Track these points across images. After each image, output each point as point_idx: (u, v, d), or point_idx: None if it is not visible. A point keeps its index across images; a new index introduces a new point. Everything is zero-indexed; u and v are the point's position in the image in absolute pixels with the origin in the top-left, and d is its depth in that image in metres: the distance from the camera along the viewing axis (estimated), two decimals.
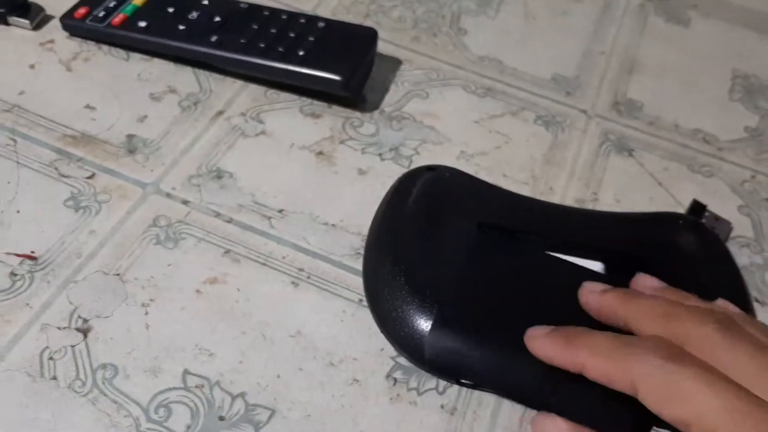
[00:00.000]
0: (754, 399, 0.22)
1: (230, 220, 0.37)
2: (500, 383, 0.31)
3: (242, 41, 0.43)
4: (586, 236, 0.36)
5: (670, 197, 0.42)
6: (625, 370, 0.25)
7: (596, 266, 0.35)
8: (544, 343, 0.28)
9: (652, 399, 0.24)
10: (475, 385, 0.32)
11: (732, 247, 0.40)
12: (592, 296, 0.30)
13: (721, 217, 0.41)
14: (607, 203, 0.41)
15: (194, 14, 0.45)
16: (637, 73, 0.50)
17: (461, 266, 0.34)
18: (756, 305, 0.38)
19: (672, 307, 0.27)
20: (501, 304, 0.32)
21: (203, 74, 0.44)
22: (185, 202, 0.37)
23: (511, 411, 0.32)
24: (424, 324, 0.31)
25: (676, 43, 0.53)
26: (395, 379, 0.32)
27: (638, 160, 0.44)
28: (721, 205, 0.42)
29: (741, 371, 0.24)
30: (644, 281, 0.31)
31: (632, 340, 0.26)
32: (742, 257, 0.40)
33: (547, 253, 0.35)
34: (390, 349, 0.33)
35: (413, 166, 0.41)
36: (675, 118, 0.47)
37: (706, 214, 0.40)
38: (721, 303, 0.30)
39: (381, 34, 0.48)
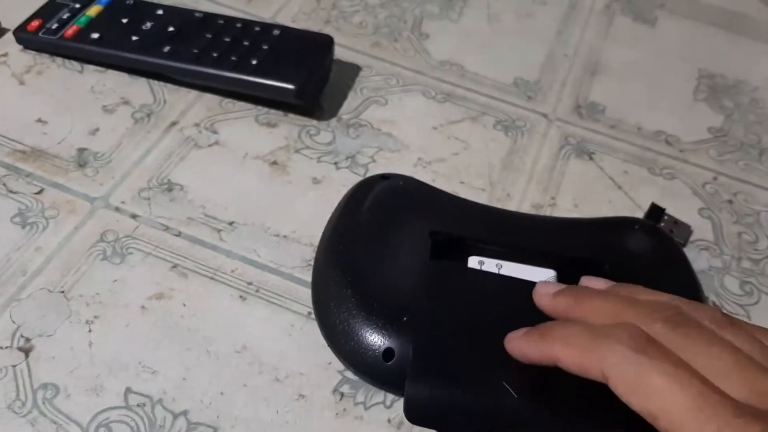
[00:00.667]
0: (720, 397, 0.22)
1: (179, 234, 0.36)
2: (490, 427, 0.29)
3: (195, 51, 0.42)
4: (539, 243, 0.36)
5: (630, 201, 0.42)
6: (596, 359, 0.24)
7: (549, 273, 0.34)
8: (520, 342, 0.28)
9: (621, 388, 0.24)
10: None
11: (691, 251, 0.40)
12: (545, 299, 0.30)
13: (680, 221, 0.40)
14: (566, 208, 0.41)
15: (148, 25, 0.44)
16: (601, 75, 0.50)
17: (413, 278, 0.33)
18: None
19: (622, 306, 0.27)
20: (466, 334, 0.31)
21: (158, 85, 0.44)
22: (134, 216, 0.37)
23: None
24: (371, 338, 0.31)
25: (641, 43, 0.53)
26: (342, 394, 0.32)
27: (598, 164, 0.44)
28: (682, 207, 0.42)
29: (698, 366, 0.24)
30: (590, 283, 0.31)
31: (605, 330, 0.26)
32: (701, 261, 0.39)
33: (500, 274, 0.34)
34: (338, 363, 0.32)
35: (369, 174, 0.40)
36: (638, 120, 0.47)
37: (665, 217, 0.40)
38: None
39: (341, 39, 0.48)
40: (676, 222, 0.40)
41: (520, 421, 0.29)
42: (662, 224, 0.40)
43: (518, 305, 0.31)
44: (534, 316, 0.29)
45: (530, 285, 0.33)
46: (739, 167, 0.45)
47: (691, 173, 0.44)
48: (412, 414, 0.29)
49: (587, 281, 0.31)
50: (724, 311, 0.29)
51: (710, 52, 0.53)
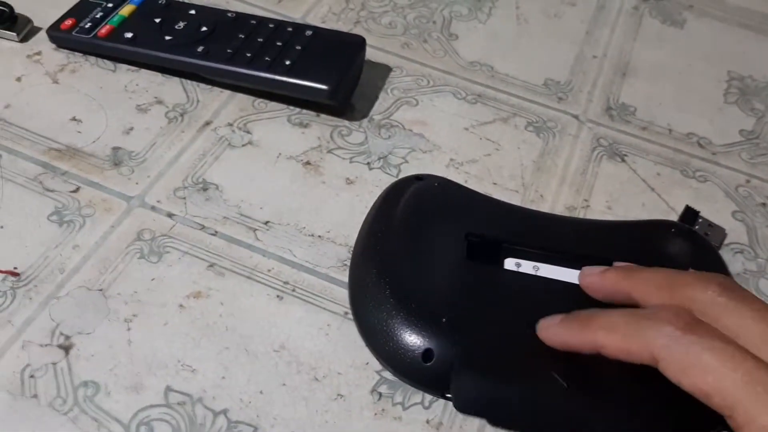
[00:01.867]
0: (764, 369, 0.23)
1: (215, 233, 0.36)
2: (528, 421, 0.30)
3: (229, 51, 0.42)
4: (575, 245, 0.36)
5: (663, 203, 0.41)
6: (643, 343, 0.25)
7: None
8: (559, 331, 0.28)
9: (672, 369, 0.24)
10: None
11: (726, 254, 0.39)
12: (593, 278, 0.30)
13: (714, 224, 0.40)
14: (599, 210, 0.41)
15: (181, 24, 0.44)
16: (631, 77, 0.50)
17: (451, 279, 0.33)
18: None
19: (674, 275, 0.28)
20: (508, 332, 0.31)
21: (190, 85, 0.44)
22: (170, 215, 0.37)
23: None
24: (410, 339, 0.31)
25: (670, 44, 0.53)
26: (380, 394, 0.32)
27: (631, 166, 0.43)
28: (715, 210, 0.41)
29: (749, 335, 0.24)
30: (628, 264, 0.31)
31: (647, 313, 0.26)
32: (735, 264, 0.39)
33: (537, 275, 0.34)
34: (375, 363, 0.32)
35: (402, 175, 0.40)
36: (669, 122, 0.47)
37: (699, 220, 0.40)
38: None
39: (371, 40, 0.48)
40: (710, 225, 0.40)
41: (571, 410, 0.29)
42: (697, 227, 0.39)
43: (557, 306, 0.31)
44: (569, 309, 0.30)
45: (567, 286, 0.33)
46: None
47: (723, 176, 0.44)
48: (462, 400, 0.29)
49: (622, 265, 0.31)
50: None
51: (739, 53, 0.53)
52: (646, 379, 0.26)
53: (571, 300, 0.31)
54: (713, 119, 0.48)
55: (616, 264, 0.32)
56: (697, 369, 0.23)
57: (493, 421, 0.31)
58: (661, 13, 0.55)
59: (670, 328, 0.24)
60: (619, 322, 0.26)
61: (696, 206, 0.41)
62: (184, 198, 0.38)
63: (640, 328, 0.25)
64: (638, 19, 0.55)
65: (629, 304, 0.28)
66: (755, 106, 0.49)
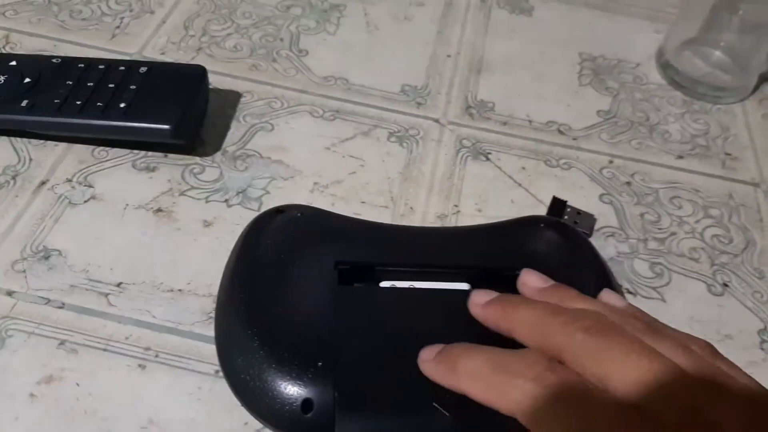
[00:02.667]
0: (616, 416, 0.22)
1: (62, 306, 0.33)
2: None
3: (56, 101, 0.39)
4: (450, 258, 0.35)
5: (531, 197, 0.41)
6: (500, 396, 0.25)
7: (464, 287, 0.33)
8: (431, 368, 0.28)
9: (528, 423, 0.24)
10: None
11: (598, 239, 0.39)
12: (477, 309, 0.30)
13: (582, 211, 0.40)
14: (470, 214, 0.40)
15: (1, 78, 0.40)
16: (486, 72, 0.49)
17: (324, 315, 0.31)
18: (628, 296, 0.37)
19: (545, 318, 0.27)
20: (388, 357, 0.30)
21: (20, 142, 0.40)
22: (10, 294, 0.33)
23: None
24: (287, 390, 0.29)
25: (521, 34, 0.53)
26: None
27: (495, 163, 0.43)
28: (583, 196, 0.42)
29: (619, 378, 0.23)
30: (529, 279, 0.31)
31: (509, 361, 0.26)
32: (608, 248, 0.39)
33: (413, 287, 0.33)
34: (255, 422, 0.30)
35: (264, 208, 0.38)
36: (528, 113, 0.46)
37: (568, 210, 0.40)
38: (605, 296, 0.30)
39: (215, 67, 0.46)
40: (579, 213, 0.40)
41: None
42: (566, 217, 0.39)
43: (436, 316, 0.31)
44: (454, 326, 0.30)
45: (445, 293, 0.33)
46: (633, 147, 0.45)
47: (586, 160, 0.44)
48: None
49: (527, 276, 0.31)
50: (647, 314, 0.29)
51: (588, 34, 0.54)
52: None
53: (454, 309, 0.30)
54: (570, 104, 0.48)
55: (524, 274, 0.31)
56: (547, 420, 0.23)
57: None
58: (508, 3, 0.55)
59: (522, 381, 0.24)
60: (482, 370, 0.26)
61: (563, 195, 0.40)
62: (24, 271, 0.34)
63: (498, 380, 0.25)
64: (487, 11, 0.54)
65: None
66: (609, 84, 0.50)
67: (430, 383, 0.28)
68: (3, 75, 0.41)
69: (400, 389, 0.29)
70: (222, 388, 0.31)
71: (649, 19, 0.55)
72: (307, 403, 0.29)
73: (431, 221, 0.39)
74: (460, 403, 0.27)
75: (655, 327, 0.27)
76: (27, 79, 0.40)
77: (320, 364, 0.29)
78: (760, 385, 0.24)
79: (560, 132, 0.46)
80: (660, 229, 0.41)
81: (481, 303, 0.30)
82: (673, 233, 0.40)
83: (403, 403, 0.29)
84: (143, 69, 0.41)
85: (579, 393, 0.23)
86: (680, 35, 0.51)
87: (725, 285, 0.38)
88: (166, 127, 0.38)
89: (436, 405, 0.28)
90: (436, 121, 0.45)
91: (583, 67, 0.51)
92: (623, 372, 0.23)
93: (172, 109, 0.39)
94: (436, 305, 0.32)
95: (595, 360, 0.24)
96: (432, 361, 0.28)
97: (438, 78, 0.48)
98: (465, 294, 0.31)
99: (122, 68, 0.41)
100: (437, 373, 0.27)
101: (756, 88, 0.50)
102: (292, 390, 0.29)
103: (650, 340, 0.24)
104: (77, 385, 0.31)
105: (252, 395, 0.29)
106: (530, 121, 0.46)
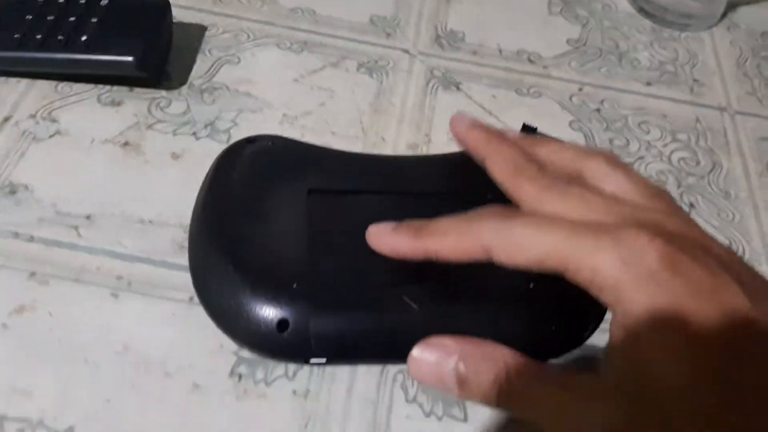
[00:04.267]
0: (584, 223, 0.24)
1: (31, 239, 0.33)
2: (387, 349, 0.30)
3: (16, 36, 0.38)
4: (420, 185, 0.35)
5: (502, 125, 0.41)
6: (473, 239, 0.25)
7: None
8: (390, 240, 0.27)
9: (503, 255, 0.24)
10: (329, 363, 0.30)
11: None
12: (460, 130, 0.30)
13: (550, 137, 0.40)
14: (441, 143, 0.40)
15: None
16: (456, 2, 0.49)
17: (298, 240, 0.31)
18: None
19: (520, 160, 0.28)
20: (359, 265, 0.30)
21: None
22: None
23: (366, 379, 0.30)
24: (262, 312, 0.29)
25: None
26: (240, 375, 0.30)
27: (466, 93, 0.43)
28: (553, 124, 0.42)
29: (568, 209, 0.25)
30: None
31: (471, 214, 0.26)
32: None
33: (380, 190, 0.34)
34: (230, 344, 0.30)
35: (233, 141, 0.38)
36: (498, 42, 0.46)
37: (537, 136, 0.40)
38: None
39: (179, 0, 0.44)
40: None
41: (427, 330, 0.29)
42: None
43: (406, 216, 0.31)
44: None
45: (417, 198, 0.34)
46: (602, 74, 0.45)
47: (556, 88, 0.44)
48: (323, 349, 0.29)
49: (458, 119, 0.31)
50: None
51: None
52: (492, 287, 0.29)
53: (425, 211, 0.30)
54: (541, 33, 0.48)
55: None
56: (523, 242, 0.24)
57: (357, 359, 0.30)
58: None
59: (493, 218, 0.25)
60: (449, 226, 0.26)
61: (533, 123, 0.40)
62: None
63: (468, 226, 0.25)
64: None
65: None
66: (579, 13, 0.50)
67: (396, 282, 0.29)
68: None
69: (369, 291, 0.30)
70: (196, 315, 0.31)
71: None
72: (282, 323, 0.29)
73: (402, 151, 0.39)
74: (428, 296, 0.28)
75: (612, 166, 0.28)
76: None
77: (295, 285, 0.29)
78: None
79: (530, 61, 0.45)
80: (629, 153, 0.41)
81: (465, 125, 0.30)
82: (641, 157, 0.41)
83: (373, 302, 0.30)
84: (104, 2, 0.40)
85: (539, 220, 0.25)
86: None
87: (692, 206, 0.39)
88: (130, 58, 0.37)
89: (405, 298, 0.28)
90: (406, 51, 0.45)
91: None
92: (574, 205, 0.25)
93: (135, 41, 0.38)
94: (407, 207, 0.32)
95: (559, 199, 0.25)
96: (390, 232, 0.27)
97: (407, 8, 0.47)
98: (435, 198, 0.31)
99: (82, 2, 0.40)
100: (397, 240, 0.27)
101: (723, 15, 0.50)
102: (268, 311, 0.29)
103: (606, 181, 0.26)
104: (50, 314, 0.31)
105: (228, 318, 0.30)
106: (500, 51, 0.46)
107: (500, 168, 0.27)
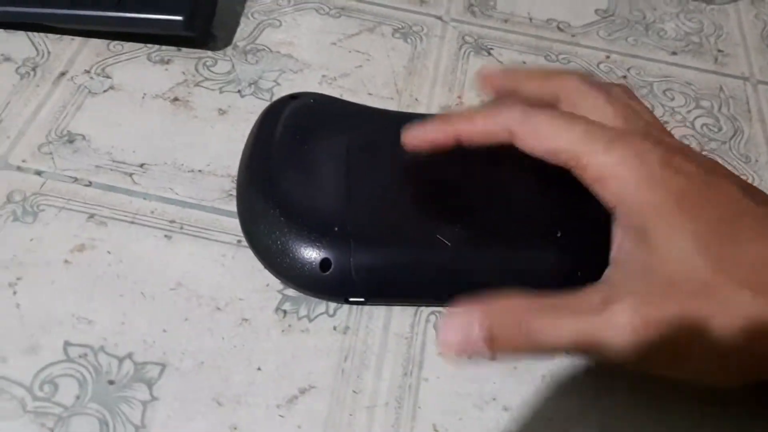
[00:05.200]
0: (600, 125, 0.27)
1: (89, 184, 0.35)
2: (422, 287, 0.32)
3: None
4: None
5: None
6: (499, 121, 0.28)
7: None
8: (424, 129, 0.31)
9: (525, 138, 0.28)
10: (367, 302, 0.32)
11: None
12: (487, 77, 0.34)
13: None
14: (473, 104, 0.42)
15: None
16: None
17: (338, 189, 0.33)
18: None
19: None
20: (395, 212, 0.33)
21: (38, 36, 0.41)
22: (39, 173, 0.35)
23: (401, 318, 0.32)
24: (306, 252, 0.31)
25: None
26: (284, 311, 0.32)
27: (497, 58, 0.44)
28: None
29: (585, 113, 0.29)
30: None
31: (497, 103, 0.30)
32: None
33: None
34: (276, 284, 0.33)
35: (275, 98, 0.40)
36: (528, 11, 0.48)
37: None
38: None
39: None
40: None
41: (457, 266, 0.31)
42: None
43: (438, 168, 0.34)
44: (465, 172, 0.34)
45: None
46: (629, 43, 0.47)
47: (585, 55, 0.46)
48: (362, 288, 0.31)
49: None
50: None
51: None
52: (521, 232, 0.32)
53: (452, 163, 0.33)
54: (570, 3, 0.49)
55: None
56: (544, 133, 0.27)
57: (393, 297, 0.32)
58: None
59: (518, 108, 0.28)
60: (477, 113, 0.29)
61: None
62: (51, 153, 0.36)
63: (497, 112, 0.29)
64: None
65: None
66: None
67: (430, 222, 0.32)
68: None
69: (405, 231, 0.32)
70: (244, 257, 0.33)
71: None
72: (325, 263, 0.31)
73: (435, 111, 0.41)
74: (460, 237, 0.31)
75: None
76: None
77: (336, 228, 0.32)
78: None
79: (559, 29, 0.47)
80: None
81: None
82: (666, 122, 0.42)
83: (409, 240, 0.32)
84: None
85: (567, 116, 0.28)
86: None
87: None
88: (179, 18, 0.39)
89: (439, 237, 0.31)
90: (439, 18, 0.46)
91: None
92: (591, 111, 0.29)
93: (183, 2, 0.40)
94: (439, 160, 0.34)
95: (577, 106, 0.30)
96: (422, 126, 0.30)
97: None
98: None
99: None
100: (428, 130, 0.31)
101: None
102: (312, 252, 0.31)
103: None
104: (108, 252, 0.33)
105: (275, 258, 0.32)
106: (531, 19, 0.47)
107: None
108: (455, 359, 0.30)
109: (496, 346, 0.25)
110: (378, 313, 0.32)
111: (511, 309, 0.25)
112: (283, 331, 0.31)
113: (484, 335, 0.25)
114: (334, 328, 0.32)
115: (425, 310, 0.33)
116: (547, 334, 0.25)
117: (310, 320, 0.32)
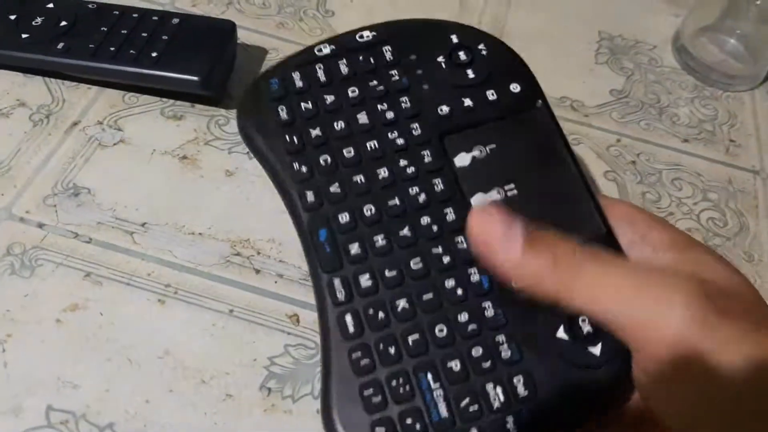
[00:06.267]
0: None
1: (90, 240, 0.35)
2: None
3: (91, 46, 0.41)
4: None
5: None
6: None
7: None
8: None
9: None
10: None
11: None
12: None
13: None
14: None
15: (39, 20, 0.42)
16: (507, 43, 0.50)
17: None
18: None
19: None
20: None
21: (55, 83, 0.42)
22: (41, 226, 0.36)
23: None
24: None
25: (543, 8, 0.54)
26: (269, 389, 0.32)
27: None
28: (588, 172, 0.43)
29: None
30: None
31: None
32: None
33: None
34: (263, 359, 0.33)
35: None
36: (544, 87, 0.48)
37: None
38: None
39: (244, 22, 0.47)
40: None
41: None
42: None
43: None
44: None
45: None
46: (641, 127, 0.47)
47: (595, 137, 0.46)
48: None
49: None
50: None
51: (609, 13, 0.55)
52: None
53: None
54: (586, 81, 0.49)
55: None
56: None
57: None
58: None
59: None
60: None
61: None
62: (55, 206, 0.37)
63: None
64: None
65: None
66: (624, 65, 0.51)
67: None
68: (40, 17, 0.42)
69: None
70: (235, 327, 0.33)
71: (668, 2, 0.56)
72: None
73: None
74: None
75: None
76: (63, 23, 0.42)
77: None
78: None
79: (573, 108, 0.47)
80: (659, 208, 0.42)
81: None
82: (671, 213, 0.42)
83: None
84: (175, 20, 0.43)
85: None
86: (698, 21, 0.52)
87: None
88: (195, 78, 0.40)
89: None
90: None
91: (601, 45, 0.52)
92: None
93: (201, 61, 0.40)
94: None
95: None
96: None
97: None
98: None
99: (155, 18, 0.43)
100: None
101: (766, 78, 0.51)
102: None
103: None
104: (100, 314, 0.33)
105: None
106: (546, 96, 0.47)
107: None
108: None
109: (531, 252, 0.21)
110: None
111: (569, 239, 0.21)
112: (265, 410, 0.31)
113: (524, 234, 0.21)
114: (318, 412, 0.31)
115: None
116: (593, 284, 0.21)
117: (294, 401, 0.32)
